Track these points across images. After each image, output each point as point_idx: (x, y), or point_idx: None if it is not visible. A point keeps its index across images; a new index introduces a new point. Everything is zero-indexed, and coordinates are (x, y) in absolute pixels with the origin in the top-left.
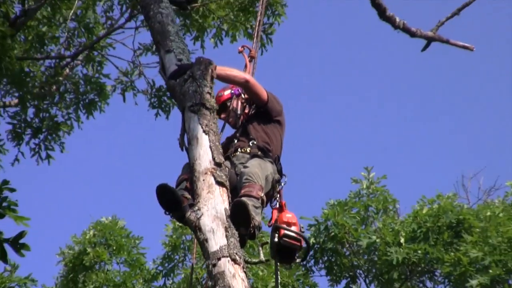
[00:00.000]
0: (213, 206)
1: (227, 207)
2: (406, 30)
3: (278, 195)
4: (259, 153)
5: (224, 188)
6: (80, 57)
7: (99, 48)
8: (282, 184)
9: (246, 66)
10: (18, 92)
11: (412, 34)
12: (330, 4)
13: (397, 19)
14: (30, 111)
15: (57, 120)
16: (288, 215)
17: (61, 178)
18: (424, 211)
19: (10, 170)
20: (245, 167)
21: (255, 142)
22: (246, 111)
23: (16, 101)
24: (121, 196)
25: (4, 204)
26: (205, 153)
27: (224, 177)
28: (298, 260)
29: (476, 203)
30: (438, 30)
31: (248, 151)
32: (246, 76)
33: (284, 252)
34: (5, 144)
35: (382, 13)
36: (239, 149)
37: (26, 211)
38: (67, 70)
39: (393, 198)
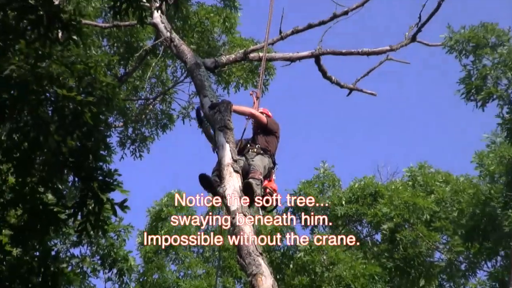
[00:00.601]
0: (232, 184)
1: (240, 185)
2: (337, 83)
3: (272, 175)
4: (261, 152)
5: (238, 174)
6: (158, 99)
7: (169, 93)
8: (275, 169)
9: (254, 103)
10: (122, 119)
11: (341, 86)
12: (299, 69)
13: (333, 77)
14: (130, 130)
15: (145, 134)
16: (274, 185)
17: (148, 167)
18: (356, 186)
19: (118, 163)
20: (252, 160)
21: (259, 146)
22: (255, 129)
23: (121, 124)
24: (182, 177)
25: (115, 183)
26: (227, 154)
27: (238, 168)
28: (269, 210)
29: (386, 181)
30: (356, 84)
31: (255, 151)
32: (252, 110)
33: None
34: (115, 149)
35: (324, 74)
36: (250, 150)
37: (127, 186)
38: (151, 106)
39: (338, 178)
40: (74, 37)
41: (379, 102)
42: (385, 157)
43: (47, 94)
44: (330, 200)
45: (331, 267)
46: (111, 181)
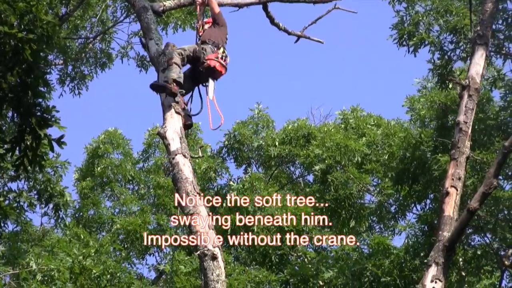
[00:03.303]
0: (173, 125)
1: (181, 126)
2: (285, 31)
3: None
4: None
5: (180, 116)
6: (98, 38)
7: (109, 33)
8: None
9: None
10: (62, 57)
11: (289, 33)
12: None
13: (281, 24)
14: (69, 68)
15: (84, 73)
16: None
17: (86, 104)
18: (289, 127)
19: (57, 100)
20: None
21: (210, 39)
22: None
23: (61, 62)
24: (120, 115)
25: (52, 119)
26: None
27: (180, 109)
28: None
29: (319, 123)
30: (304, 31)
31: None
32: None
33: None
34: (55, 86)
35: (272, 21)
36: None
37: (65, 123)
38: (91, 45)
39: (272, 119)
40: None
41: (313, 46)
42: (319, 100)
43: None
44: (264, 140)
45: (263, 206)
46: (49, 117)
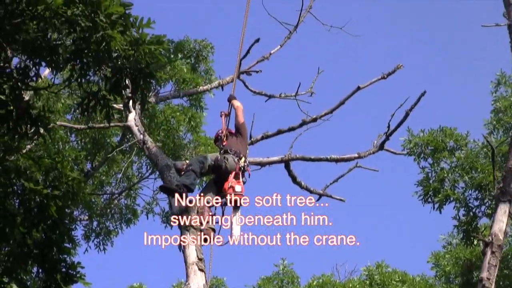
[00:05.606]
0: (196, 282)
1: (205, 283)
2: (307, 189)
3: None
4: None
5: (203, 273)
6: (123, 194)
7: (134, 189)
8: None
9: (222, 123)
10: (88, 212)
11: (311, 192)
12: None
13: (302, 183)
14: (94, 223)
15: (109, 228)
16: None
17: (111, 259)
18: (314, 283)
19: (82, 256)
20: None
21: (232, 149)
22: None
23: (86, 217)
24: (145, 270)
25: (78, 275)
26: (192, 253)
27: (203, 266)
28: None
29: (344, 279)
30: (325, 190)
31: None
32: (240, 106)
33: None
34: (80, 241)
35: (294, 180)
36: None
37: (90, 278)
38: (116, 201)
39: (297, 275)
40: (42, 131)
41: (335, 202)
42: (344, 256)
43: (14, 187)
44: None
45: None
46: (74, 273)
